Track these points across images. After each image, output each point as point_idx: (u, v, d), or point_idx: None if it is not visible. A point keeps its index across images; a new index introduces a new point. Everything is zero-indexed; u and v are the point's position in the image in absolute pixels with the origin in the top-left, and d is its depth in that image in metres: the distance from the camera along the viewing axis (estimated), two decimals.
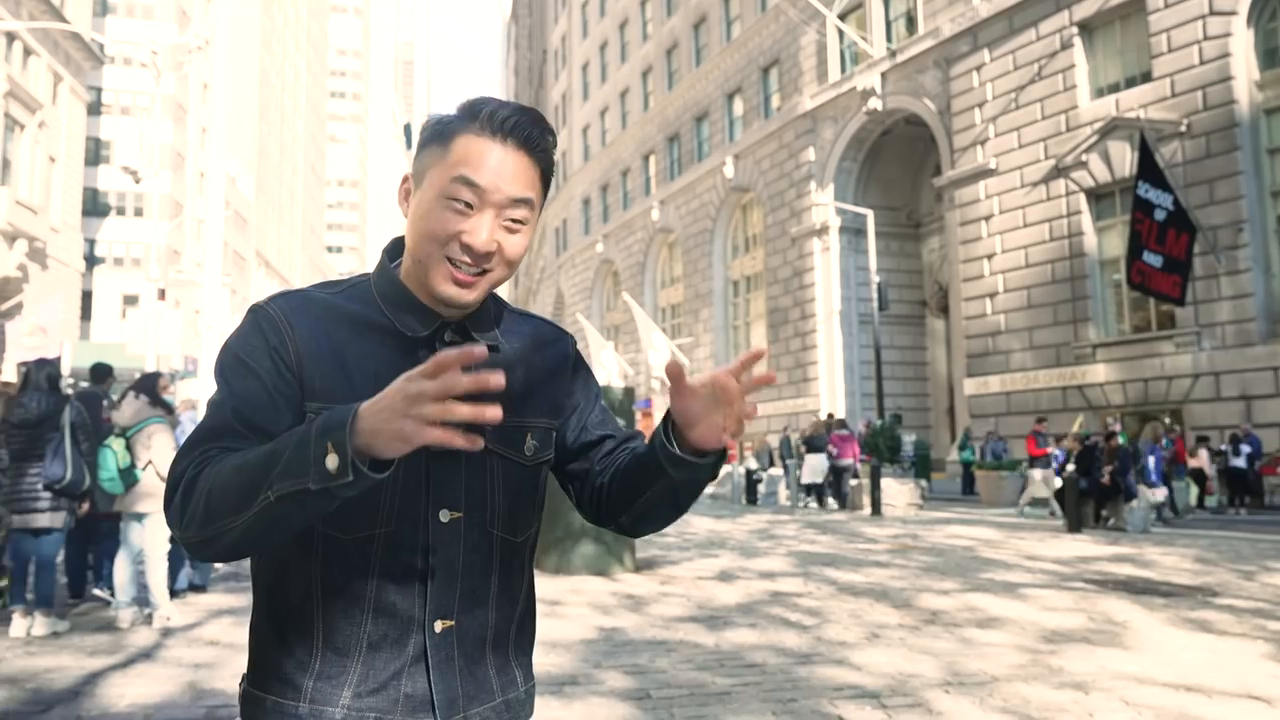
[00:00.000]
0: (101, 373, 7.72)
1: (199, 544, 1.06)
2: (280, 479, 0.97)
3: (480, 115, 1.15)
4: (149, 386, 6.31)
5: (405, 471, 1.13)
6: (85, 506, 6.10)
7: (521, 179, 1.15)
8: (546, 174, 1.19)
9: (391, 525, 1.13)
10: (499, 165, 1.13)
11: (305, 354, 1.13)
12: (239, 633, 5.68)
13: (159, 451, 6.02)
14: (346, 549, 1.12)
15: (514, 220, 1.15)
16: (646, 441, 1.24)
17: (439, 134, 1.17)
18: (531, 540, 1.27)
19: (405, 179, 1.21)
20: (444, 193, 1.12)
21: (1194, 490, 17.12)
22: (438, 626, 1.15)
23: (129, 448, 5.99)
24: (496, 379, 0.94)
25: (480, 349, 0.94)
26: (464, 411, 0.93)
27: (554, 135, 1.19)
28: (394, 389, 0.94)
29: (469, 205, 1.12)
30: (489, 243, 1.12)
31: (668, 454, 1.15)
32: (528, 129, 1.15)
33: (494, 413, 0.95)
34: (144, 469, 5.98)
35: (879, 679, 4.66)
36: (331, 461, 0.95)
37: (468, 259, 1.13)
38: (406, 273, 1.19)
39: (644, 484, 1.21)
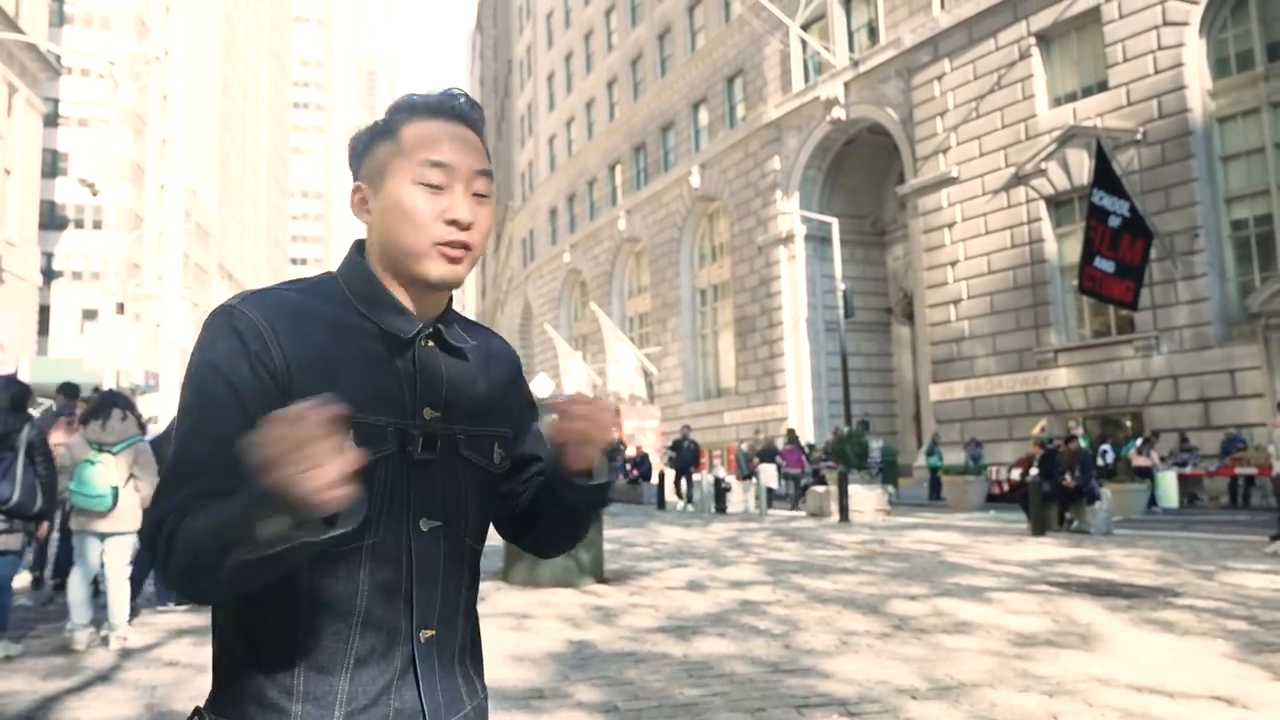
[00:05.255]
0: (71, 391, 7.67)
1: (188, 597, 1.05)
2: (261, 546, 0.93)
3: (416, 104, 1.19)
4: (132, 404, 6.22)
5: (391, 481, 1.12)
6: (44, 529, 5.96)
7: (477, 151, 1.19)
8: (487, 150, 1.24)
9: (378, 535, 1.11)
10: (455, 141, 1.17)
11: (292, 359, 1.09)
12: (199, 653, 5.57)
13: (148, 471, 5.95)
14: (335, 562, 1.09)
15: (480, 193, 1.18)
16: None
17: (381, 132, 1.19)
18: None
19: (357, 188, 1.21)
20: (414, 178, 1.14)
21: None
22: (423, 637, 1.13)
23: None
24: (331, 408, 0.87)
25: (329, 411, 0.87)
26: (326, 449, 0.86)
27: (482, 111, 1.24)
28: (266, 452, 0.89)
29: (439, 186, 1.15)
30: (470, 215, 1.15)
31: (558, 477, 1.22)
32: (465, 106, 1.21)
33: (340, 408, 0.88)
34: (125, 486, 5.87)
35: (848, 686, 4.66)
36: (265, 530, 0.91)
37: (455, 233, 1.15)
38: (378, 272, 1.19)
39: (545, 506, 1.27)
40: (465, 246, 1.15)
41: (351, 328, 1.15)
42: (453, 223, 1.14)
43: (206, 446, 1.05)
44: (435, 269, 1.15)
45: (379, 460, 1.10)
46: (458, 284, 1.19)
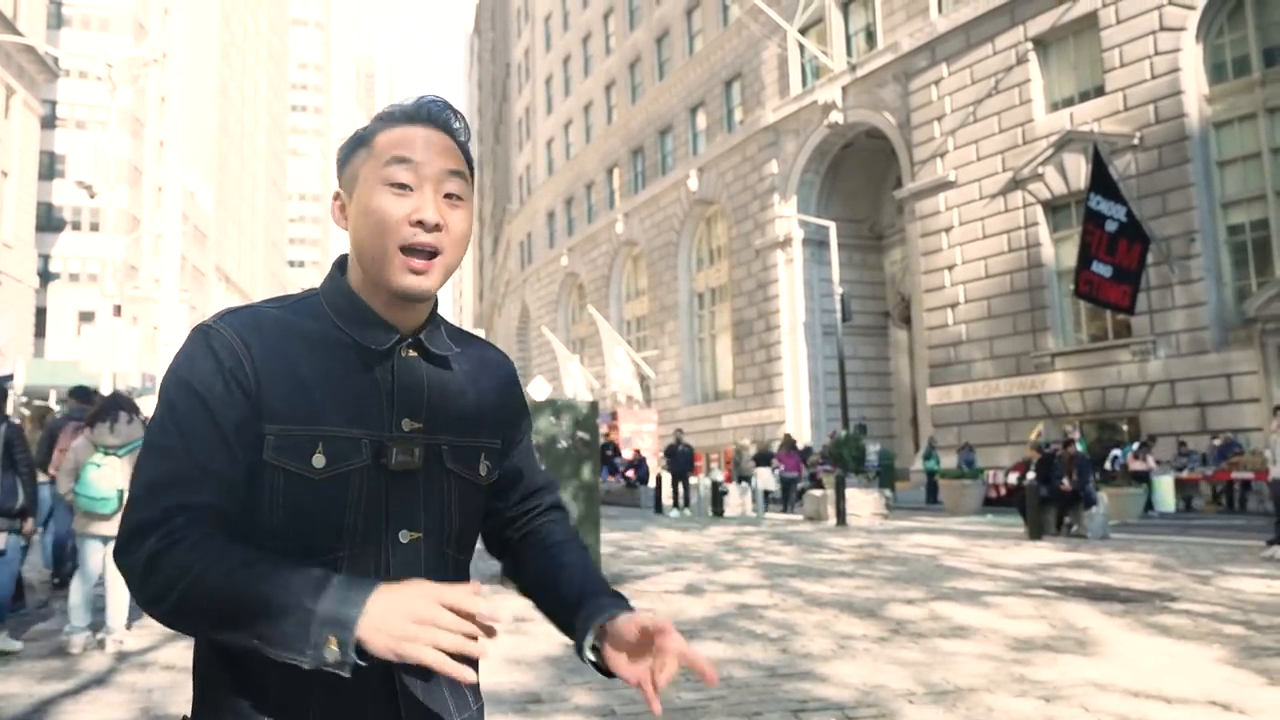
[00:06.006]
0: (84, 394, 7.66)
1: (158, 619, 1.06)
2: (275, 644, 0.98)
3: (394, 112, 1.19)
4: (137, 406, 6.21)
5: (366, 493, 1.11)
6: (28, 525, 5.94)
7: (450, 154, 1.17)
8: (469, 160, 1.21)
9: (355, 548, 1.11)
10: (426, 142, 1.15)
11: (264, 374, 1.09)
12: None
13: None
14: None
15: (453, 195, 1.15)
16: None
17: (359, 141, 1.19)
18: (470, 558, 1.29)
19: (336, 195, 1.21)
20: (382, 179, 1.13)
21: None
22: None
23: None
24: (492, 635, 1.00)
25: (491, 613, 1.00)
26: (473, 648, 0.97)
27: (465, 119, 1.23)
28: (408, 605, 0.97)
29: (408, 187, 1.13)
30: (437, 215, 1.12)
31: (580, 642, 1.16)
32: (441, 111, 1.19)
33: (482, 651, 0.99)
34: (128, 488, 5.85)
35: (846, 690, 4.66)
36: (331, 653, 0.96)
37: (421, 237, 1.12)
38: (358, 285, 1.18)
39: (543, 598, 1.27)
40: (433, 252, 1.13)
41: (329, 342, 1.14)
42: (419, 224, 1.11)
43: (181, 462, 1.07)
44: (400, 280, 1.13)
45: (353, 472, 1.11)
46: (426, 296, 1.15)
